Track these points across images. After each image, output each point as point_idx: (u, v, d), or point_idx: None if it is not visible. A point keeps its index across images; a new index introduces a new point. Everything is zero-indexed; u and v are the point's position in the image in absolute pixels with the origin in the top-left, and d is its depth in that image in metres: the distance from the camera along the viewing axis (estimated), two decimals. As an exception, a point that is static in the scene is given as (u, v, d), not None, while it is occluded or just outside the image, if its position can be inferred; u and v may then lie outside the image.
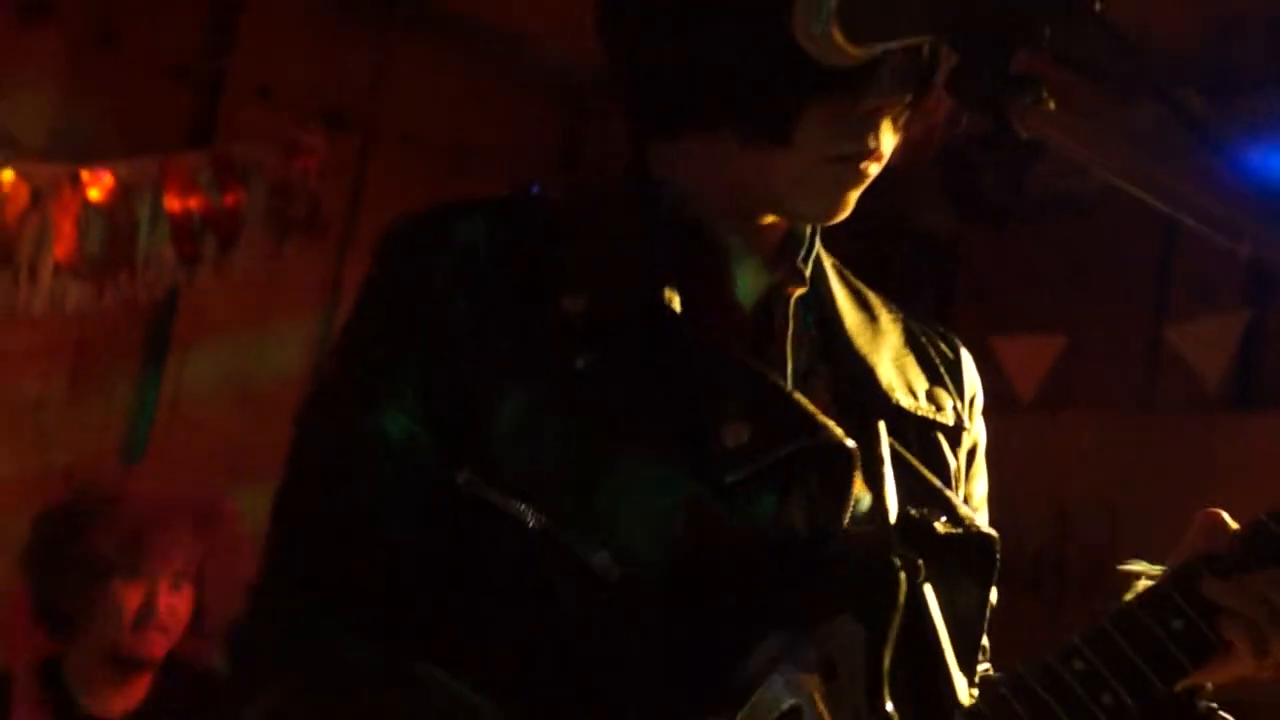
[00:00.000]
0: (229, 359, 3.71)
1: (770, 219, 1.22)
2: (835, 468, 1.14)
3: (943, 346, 1.33)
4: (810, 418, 1.15)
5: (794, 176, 1.17)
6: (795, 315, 1.22)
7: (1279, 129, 3.27)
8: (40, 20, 3.51)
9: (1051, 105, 0.99)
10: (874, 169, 1.17)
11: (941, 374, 1.30)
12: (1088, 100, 1.19)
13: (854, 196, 1.20)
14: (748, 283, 1.22)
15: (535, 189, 1.23)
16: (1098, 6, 1.02)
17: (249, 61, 3.76)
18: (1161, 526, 4.11)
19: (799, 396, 1.16)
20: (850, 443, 1.16)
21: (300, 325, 3.78)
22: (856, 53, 1.06)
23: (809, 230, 1.25)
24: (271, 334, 3.77)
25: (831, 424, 1.16)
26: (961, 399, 1.30)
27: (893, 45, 1.06)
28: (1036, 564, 3.68)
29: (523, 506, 1.09)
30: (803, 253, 1.24)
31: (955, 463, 1.26)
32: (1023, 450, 3.60)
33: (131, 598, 2.61)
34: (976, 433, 1.31)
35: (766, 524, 1.12)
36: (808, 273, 1.24)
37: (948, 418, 1.27)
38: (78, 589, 2.66)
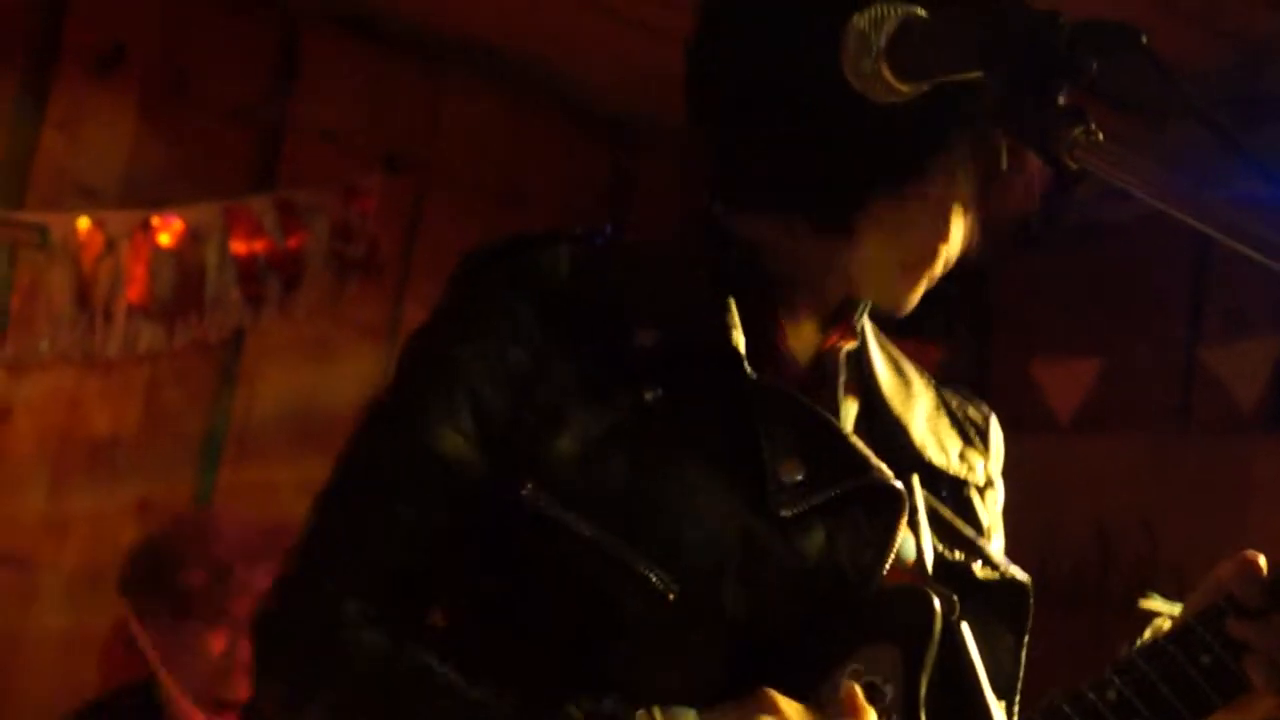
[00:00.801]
0: (293, 394, 3.73)
1: (832, 291, 1.25)
2: (883, 508, 1.16)
3: (972, 412, 1.35)
4: (863, 460, 1.17)
5: (862, 270, 1.20)
6: (845, 367, 1.24)
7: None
8: (113, 72, 3.55)
9: (1100, 136, 0.99)
10: (940, 269, 1.21)
11: (972, 437, 1.32)
12: (1133, 131, 1.19)
13: (918, 294, 1.23)
14: (802, 338, 1.24)
15: (608, 230, 1.23)
16: (1143, 39, 1.02)
17: (310, 107, 3.78)
18: (1199, 543, 4.12)
19: (853, 439, 1.18)
20: (899, 484, 1.17)
21: (361, 361, 3.80)
22: (905, 89, 1.06)
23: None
24: (333, 369, 3.78)
25: (883, 466, 1.17)
26: (990, 459, 1.33)
27: (940, 80, 1.06)
28: (1077, 581, 3.66)
29: (586, 522, 1.10)
30: (859, 313, 1.27)
31: (987, 520, 1.28)
32: (1062, 471, 3.59)
33: (216, 643, 2.58)
34: (1000, 494, 1.34)
35: (816, 558, 1.13)
36: (859, 329, 1.27)
37: (978, 478, 1.29)
38: (165, 625, 2.63)
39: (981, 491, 1.29)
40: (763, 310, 1.22)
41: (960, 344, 3.85)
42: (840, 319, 1.25)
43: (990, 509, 1.30)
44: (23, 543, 3.41)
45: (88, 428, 3.49)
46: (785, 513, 1.12)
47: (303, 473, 3.63)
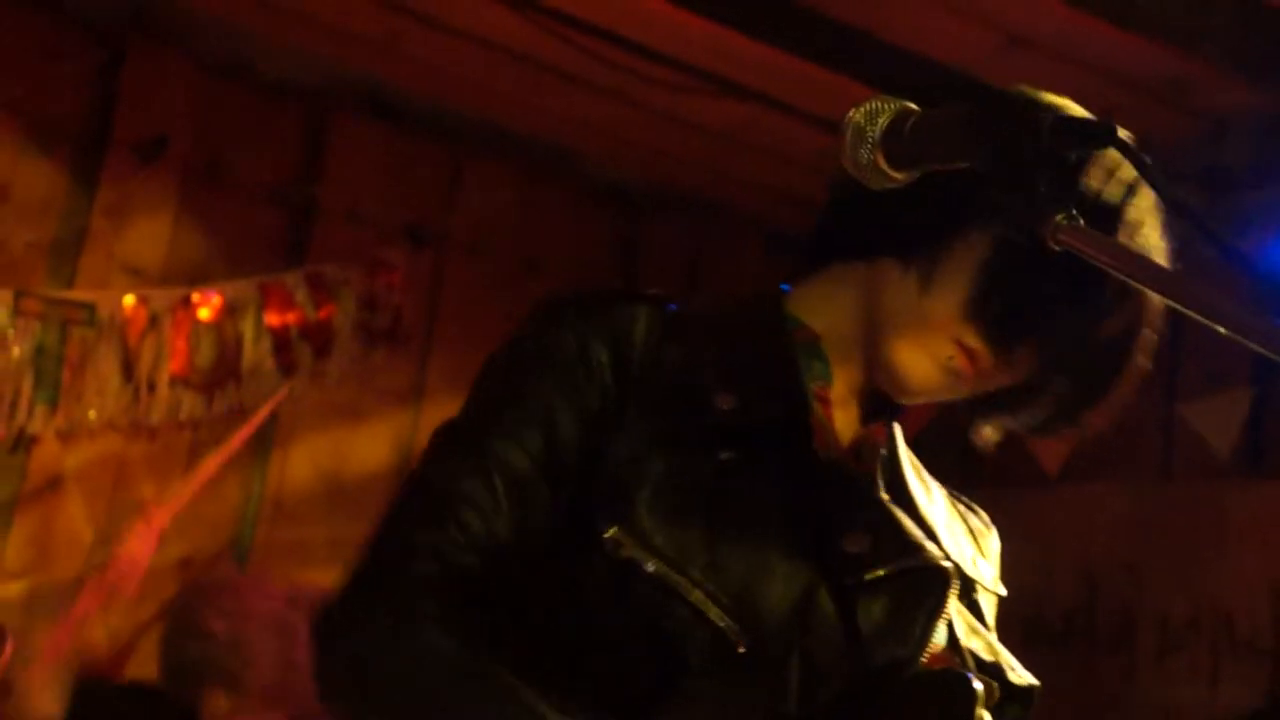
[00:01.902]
0: (324, 456, 3.77)
1: (870, 384, 1.26)
2: (933, 588, 1.17)
3: (977, 522, 1.36)
4: (917, 541, 1.18)
5: (918, 328, 1.19)
6: (880, 462, 1.25)
7: (1269, 222, 3.31)
8: (156, 160, 3.62)
9: (1081, 221, 1.02)
10: (965, 387, 1.20)
11: (980, 545, 1.33)
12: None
13: (937, 388, 1.21)
14: (846, 425, 1.26)
15: (674, 305, 1.24)
16: (1120, 133, 1.06)
17: (337, 187, 3.85)
18: (1182, 586, 4.15)
19: (907, 521, 1.19)
20: (948, 565, 1.19)
21: (387, 424, 3.84)
22: (899, 176, 1.09)
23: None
24: (362, 432, 3.81)
25: (934, 549, 1.19)
26: (994, 566, 1.34)
27: (931, 168, 1.09)
28: (1067, 624, 3.68)
29: (666, 569, 1.11)
30: (895, 415, 1.28)
31: (990, 621, 1.29)
32: (1052, 521, 3.62)
33: (218, 703, 2.56)
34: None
35: (870, 629, 1.14)
36: (896, 435, 1.28)
37: (989, 584, 1.30)
38: (183, 683, 2.64)
39: (989, 597, 1.29)
40: (820, 390, 1.24)
41: (951, 401, 3.89)
42: (879, 416, 1.27)
43: (991, 613, 1.30)
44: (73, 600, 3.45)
45: (133, 492, 3.52)
46: (848, 581, 1.13)
47: (334, 530, 3.70)
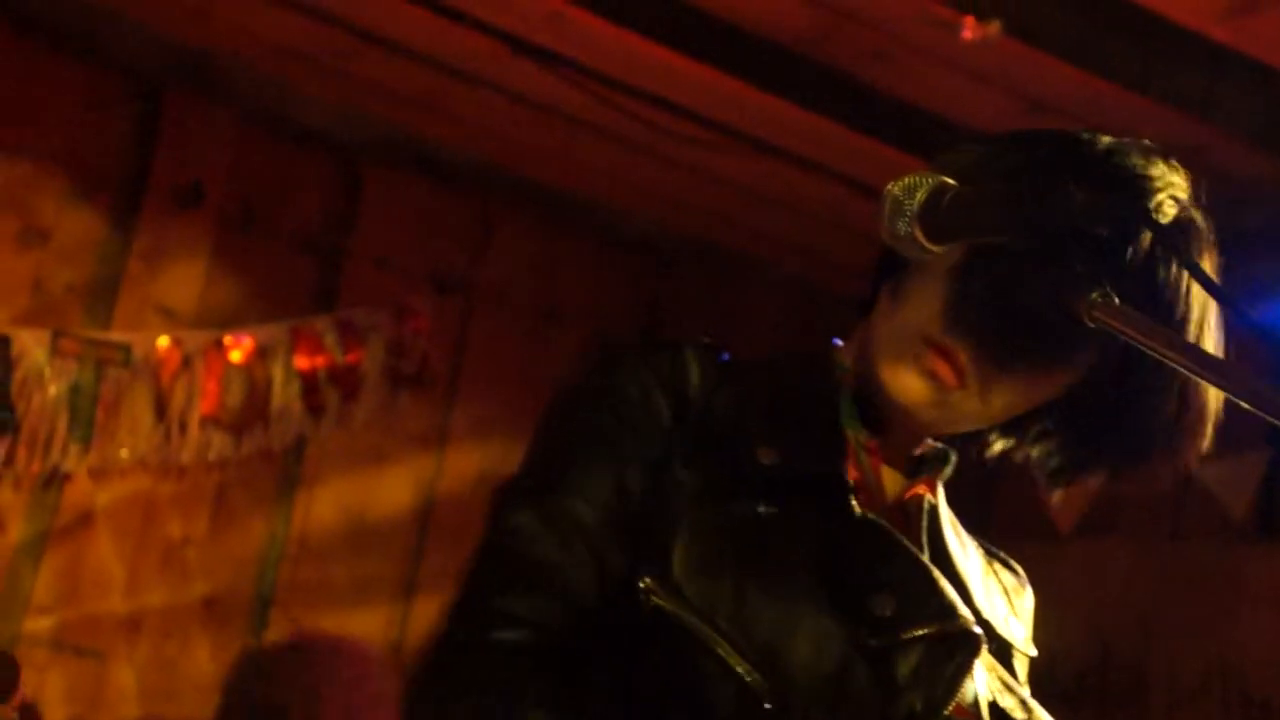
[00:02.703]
0: (349, 498, 3.78)
1: (918, 442, 1.25)
2: (961, 651, 1.15)
3: (1013, 580, 1.35)
4: (950, 603, 1.16)
5: (895, 342, 1.20)
6: (926, 516, 1.25)
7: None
8: (192, 206, 3.66)
9: (1115, 300, 1.03)
10: (957, 386, 1.18)
11: (1014, 604, 1.32)
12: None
13: (932, 404, 1.20)
14: (892, 481, 1.26)
15: (725, 355, 1.24)
16: (1149, 212, 1.08)
17: (368, 236, 3.88)
18: (1193, 646, 4.12)
19: (943, 583, 1.18)
20: (978, 630, 1.17)
21: (412, 467, 3.85)
22: (935, 249, 1.11)
23: (950, 455, 1.28)
24: (387, 475, 3.83)
25: (966, 613, 1.17)
26: (1026, 626, 1.33)
27: (967, 241, 1.10)
28: (1079, 682, 3.65)
29: (697, 620, 1.10)
30: (946, 471, 1.28)
31: (1022, 680, 1.27)
32: (1064, 577, 3.60)
33: None
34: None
35: (894, 691, 1.12)
36: (939, 488, 1.28)
37: (1021, 644, 1.29)
38: None
39: (1020, 656, 1.28)
40: (866, 445, 1.23)
41: (965, 454, 3.88)
42: (926, 472, 1.26)
43: (1023, 672, 1.28)
44: (100, 637, 3.45)
45: (161, 530, 3.54)
46: (873, 642, 1.12)
47: (357, 570, 3.72)
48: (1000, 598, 1.30)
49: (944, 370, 1.17)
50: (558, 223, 4.14)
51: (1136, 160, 1.19)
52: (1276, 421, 0.93)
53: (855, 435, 1.23)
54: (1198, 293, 1.17)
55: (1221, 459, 3.67)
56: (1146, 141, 1.23)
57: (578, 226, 4.17)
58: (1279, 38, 2.98)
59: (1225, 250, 3.69)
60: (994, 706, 1.19)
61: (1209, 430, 1.24)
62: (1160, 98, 3.18)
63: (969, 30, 2.93)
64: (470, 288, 4.00)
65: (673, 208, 4.14)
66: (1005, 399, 1.20)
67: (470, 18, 3.30)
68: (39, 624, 3.35)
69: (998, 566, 1.35)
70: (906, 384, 1.19)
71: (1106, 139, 1.21)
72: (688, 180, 3.92)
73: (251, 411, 3.55)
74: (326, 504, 3.74)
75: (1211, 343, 1.19)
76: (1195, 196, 1.22)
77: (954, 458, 1.30)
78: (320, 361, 3.63)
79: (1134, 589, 3.68)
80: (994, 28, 2.91)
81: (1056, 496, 4.09)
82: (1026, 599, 1.36)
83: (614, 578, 1.13)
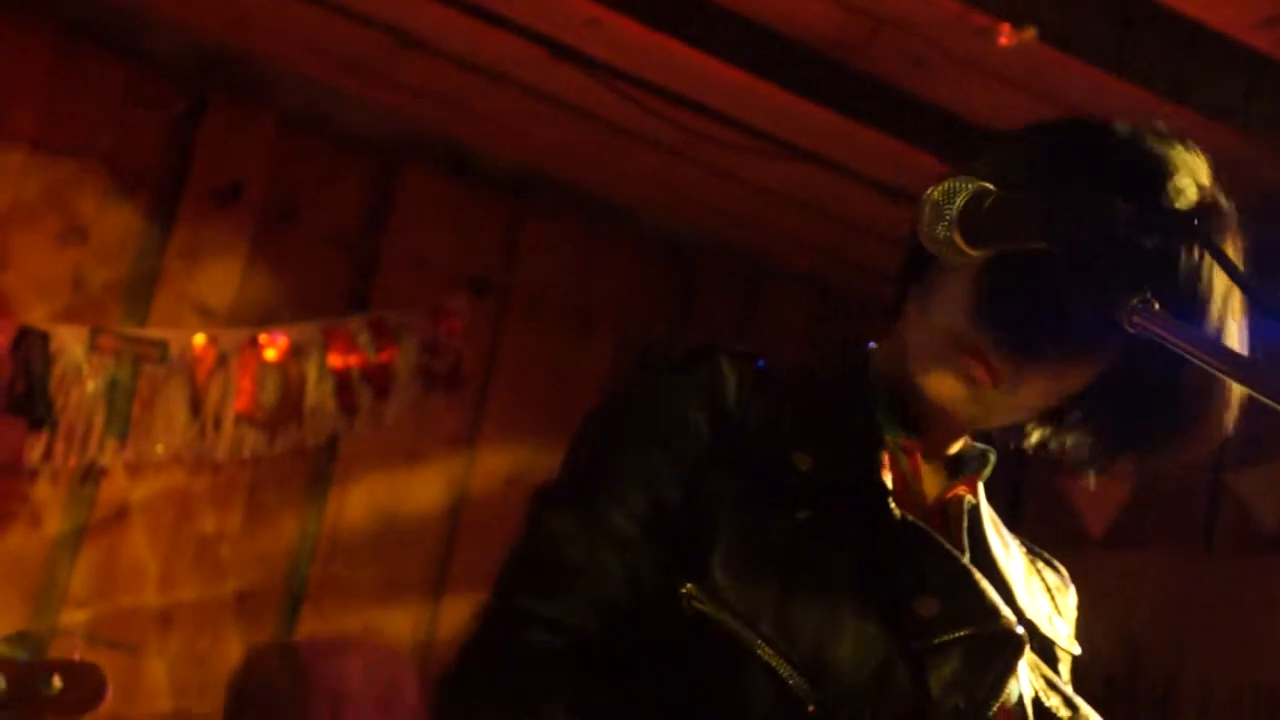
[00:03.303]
0: (381, 496, 3.78)
1: (958, 444, 1.25)
2: (1004, 652, 1.15)
3: (1055, 579, 1.34)
4: (993, 605, 1.16)
5: (930, 349, 1.20)
6: (967, 516, 1.24)
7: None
8: (230, 205, 3.68)
9: (1156, 305, 1.02)
10: (998, 389, 1.17)
11: (1057, 602, 1.31)
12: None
13: (973, 405, 1.19)
14: (932, 482, 1.25)
15: (762, 363, 1.24)
16: (1196, 222, 1.08)
17: (403, 236, 3.88)
18: (1224, 655, 4.07)
19: (985, 584, 1.17)
20: (1021, 631, 1.16)
21: (443, 466, 3.85)
22: (974, 254, 1.10)
23: (990, 455, 1.27)
24: (418, 474, 3.83)
25: (1009, 613, 1.16)
26: (1069, 624, 1.32)
27: (1006, 248, 1.10)
28: (1109, 690, 3.62)
29: (737, 623, 1.10)
30: (985, 472, 1.27)
31: (1066, 678, 1.27)
32: (1095, 585, 3.55)
33: None
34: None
35: (939, 692, 1.11)
36: (980, 488, 1.26)
37: (1064, 643, 1.29)
38: None
39: (1064, 655, 1.28)
40: (905, 447, 1.22)
41: (998, 463, 3.86)
42: (966, 473, 1.25)
43: (1066, 670, 1.28)
44: (134, 631, 3.46)
45: (195, 525, 3.56)
46: (917, 645, 1.11)
47: (388, 568, 3.72)
48: (1044, 596, 1.30)
49: (979, 372, 1.17)
50: (592, 226, 4.14)
51: (1155, 145, 1.19)
52: None
53: (893, 438, 1.22)
54: (1220, 279, 1.16)
55: (1254, 468, 3.67)
56: (1163, 126, 1.22)
57: (612, 230, 4.17)
58: (1318, 47, 2.95)
59: (1258, 261, 3.66)
60: (1038, 705, 1.18)
61: (1235, 411, 1.22)
62: (1198, 107, 3.15)
63: (1005, 37, 2.91)
64: (504, 290, 4.00)
65: (707, 212, 4.13)
66: (1038, 390, 1.19)
67: (510, 21, 3.30)
68: (74, 617, 3.37)
69: (1040, 565, 1.34)
70: (943, 387, 1.19)
71: (1126, 126, 1.21)
72: (722, 185, 3.91)
73: (285, 409, 3.55)
74: (358, 502, 3.74)
75: (1236, 331, 1.19)
76: (1216, 179, 1.21)
77: (993, 458, 1.28)
78: (354, 360, 3.64)
79: (1166, 598, 3.65)
80: (1029, 34, 2.89)
81: (1088, 493, 4.03)
82: (1070, 597, 1.35)
83: (650, 586, 1.13)
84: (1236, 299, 1.18)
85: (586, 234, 4.14)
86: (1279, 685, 3.39)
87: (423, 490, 3.82)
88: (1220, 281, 1.16)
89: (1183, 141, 1.21)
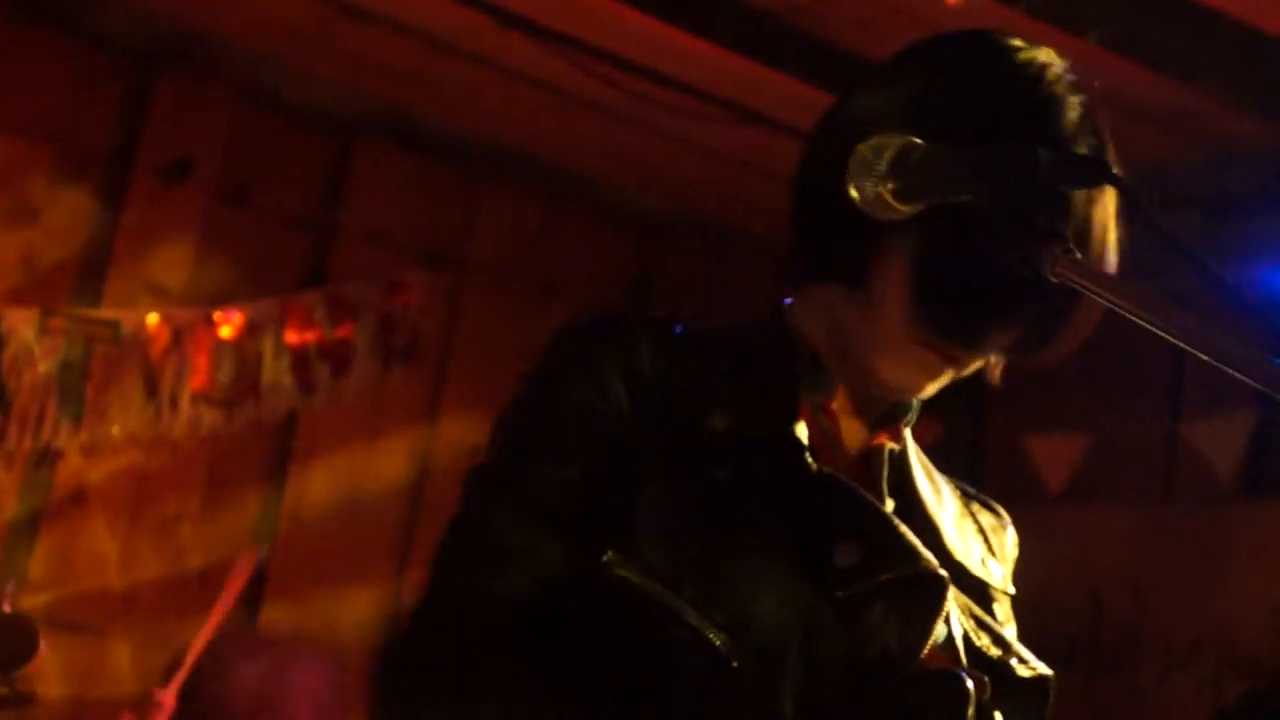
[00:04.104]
0: (341, 473, 3.75)
1: (878, 390, 1.25)
2: (929, 594, 1.15)
3: (992, 520, 1.35)
4: (913, 548, 1.16)
5: (882, 341, 1.20)
6: (888, 464, 1.24)
7: (1273, 250, 3.27)
8: (181, 182, 3.62)
9: (1077, 255, 1.03)
10: (958, 369, 1.20)
11: (992, 544, 1.32)
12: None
13: (932, 385, 1.22)
14: (853, 433, 1.25)
15: (679, 327, 1.23)
16: (1113, 170, 1.08)
17: (359, 211, 3.84)
18: (1184, 606, 4.08)
19: (904, 528, 1.17)
20: (943, 572, 1.17)
21: (403, 441, 3.83)
22: (902, 209, 1.09)
23: (914, 401, 1.27)
24: (379, 449, 3.80)
25: (930, 556, 1.17)
26: (1005, 566, 1.32)
27: (935, 202, 1.09)
28: (1071, 644, 3.63)
29: (661, 588, 1.10)
30: (906, 419, 1.27)
31: (1003, 618, 1.27)
32: (1055, 540, 3.57)
33: None
34: (1008, 599, 1.33)
35: (866, 637, 1.12)
36: (905, 436, 1.27)
37: (997, 582, 1.29)
38: None
39: (999, 594, 1.28)
40: (822, 403, 1.23)
41: (957, 421, 3.85)
42: (889, 423, 1.26)
43: (1004, 611, 1.28)
44: (96, 613, 3.43)
45: (154, 506, 3.52)
46: (841, 593, 1.12)
47: (351, 543, 3.68)
48: (976, 538, 1.30)
49: (942, 363, 1.20)
50: (549, 196, 4.11)
51: (1058, 85, 1.20)
52: (1239, 374, 0.94)
53: (810, 397, 1.23)
54: (1102, 213, 1.18)
55: (1209, 420, 3.66)
56: (1058, 59, 1.22)
57: (569, 200, 4.14)
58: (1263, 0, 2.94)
59: (1214, 212, 3.62)
60: (969, 645, 1.19)
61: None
62: (1147, 61, 3.13)
63: (952, -5, 2.89)
64: (462, 262, 3.97)
65: (664, 180, 4.10)
66: (985, 355, 1.23)
67: (457, -9, 3.24)
68: (34, 601, 3.31)
69: (976, 507, 1.35)
70: (903, 378, 1.21)
71: (1028, 67, 1.21)
72: (675, 151, 3.87)
73: (242, 387, 3.52)
74: (319, 478, 3.71)
75: (1111, 259, 1.20)
76: (1083, 80, 1.22)
77: (917, 404, 1.27)
78: (311, 336, 3.60)
79: (1126, 551, 3.66)
80: (977, -9, 2.87)
81: (1047, 449, 4.00)
82: (1008, 537, 1.35)
83: (580, 555, 1.13)
84: (1113, 232, 1.20)
85: (544, 205, 4.11)
86: (1238, 633, 3.40)
87: (384, 465, 3.79)
88: (1104, 215, 1.18)
89: (1077, 76, 1.22)
